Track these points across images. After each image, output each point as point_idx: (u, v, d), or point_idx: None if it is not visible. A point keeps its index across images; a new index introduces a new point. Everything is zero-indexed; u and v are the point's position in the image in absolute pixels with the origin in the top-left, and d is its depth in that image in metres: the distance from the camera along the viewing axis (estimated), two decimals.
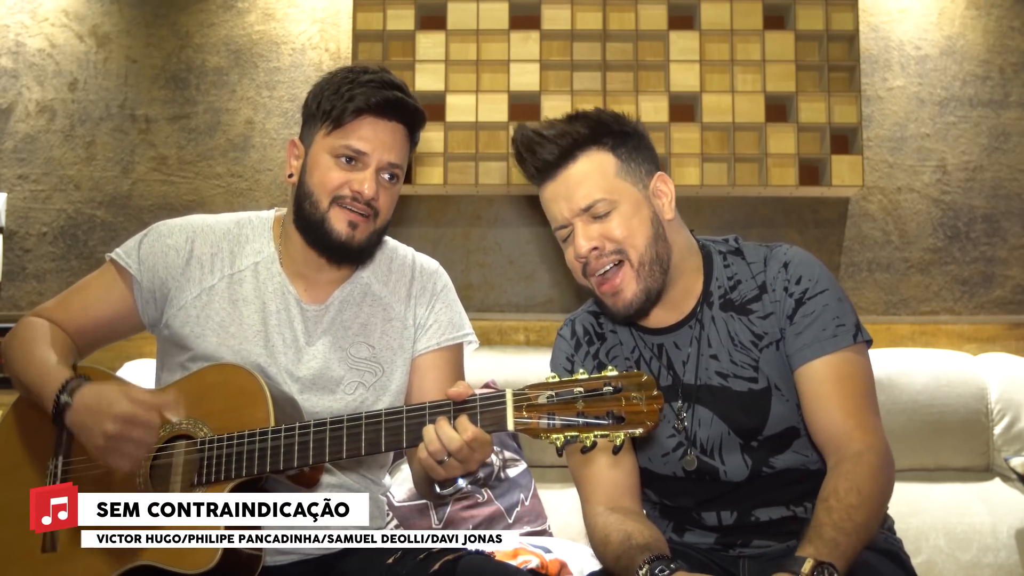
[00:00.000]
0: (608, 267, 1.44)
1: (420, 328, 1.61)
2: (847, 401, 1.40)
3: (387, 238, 1.65)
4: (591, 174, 1.44)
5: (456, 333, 1.63)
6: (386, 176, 1.51)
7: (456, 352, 1.65)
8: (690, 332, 1.49)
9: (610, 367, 1.23)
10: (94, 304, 1.58)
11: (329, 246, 1.51)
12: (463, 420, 1.27)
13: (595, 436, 1.19)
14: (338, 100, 1.48)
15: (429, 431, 1.28)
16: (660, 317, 1.51)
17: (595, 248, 1.43)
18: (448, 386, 1.59)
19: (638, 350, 1.54)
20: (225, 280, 1.55)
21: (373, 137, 1.48)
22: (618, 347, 1.56)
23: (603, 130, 1.46)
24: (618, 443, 1.19)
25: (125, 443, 1.35)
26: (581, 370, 1.24)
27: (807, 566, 1.21)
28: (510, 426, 1.24)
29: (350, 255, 1.53)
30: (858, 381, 1.42)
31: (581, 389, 1.21)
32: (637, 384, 1.20)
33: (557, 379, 1.24)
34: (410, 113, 1.52)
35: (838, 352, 1.42)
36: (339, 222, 1.49)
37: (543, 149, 1.44)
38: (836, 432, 1.39)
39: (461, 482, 1.35)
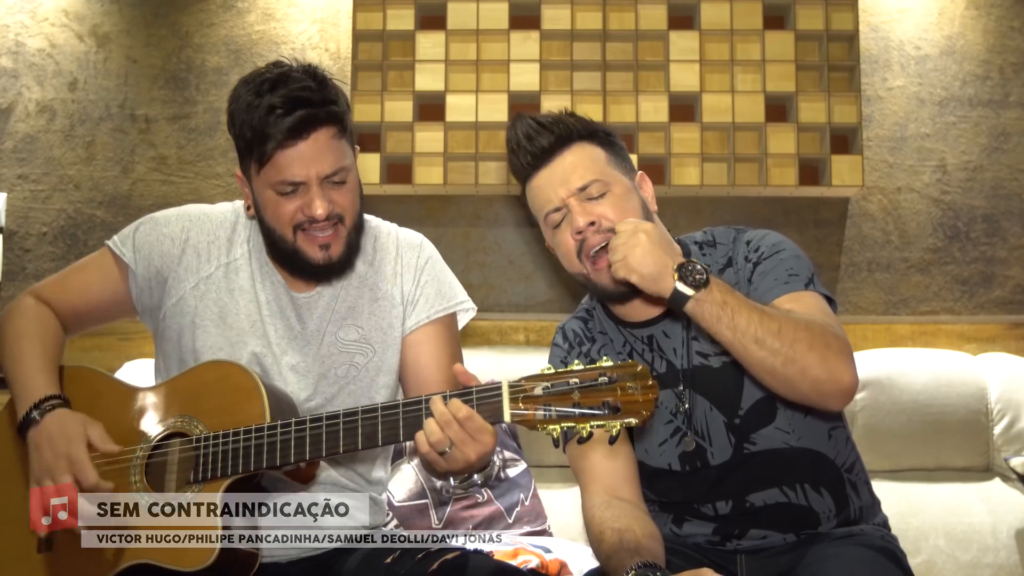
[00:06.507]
0: (601, 244, 1.48)
1: (408, 304, 1.59)
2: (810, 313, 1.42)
3: (370, 218, 1.62)
4: (584, 160, 1.52)
5: (446, 304, 1.61)
6: (334, 180, 1.45)
7: (449, 323, 1.61)
8: (677, 319, 1.53)
9: (605, 358, 1.23)
10: (91, 287, 1.59)
11: (309, 270, 1.50)
12: (456, 402, 1.26)
13: (591, 426, 1.20)
14: (254, 137, 1.41)
15: (430, 422, 1.26)
16: (645, 311, 1.55)
17: (592, 223, 1.48)
18: (444, 358, 1.57)
19: (629, 344, 1.57)
20: (222, 269, 1.55)
21: (301, 160, 1.41)
22: (609, 345, 1.59)
23: (593, 128, 1.56)
24: (614, 433, 1.20)
25: (48, 477, 1.36)
26: (576, 361, 1.25)
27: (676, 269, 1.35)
28: (506, 417, 1.23)
29: (333, 270, 1.51)
30: (816, 312, 1.43)
31: (576, 380, 1.22)
32: (632, 374, 1.20)
33: (553, 371, 1.24)
34: (328, 116, 1.42)
35: (790, 294, 1.46)
36: (311, 249, 1.47)
37: (540, 136, 1.52)
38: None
39: (476, 476, 1.35)
